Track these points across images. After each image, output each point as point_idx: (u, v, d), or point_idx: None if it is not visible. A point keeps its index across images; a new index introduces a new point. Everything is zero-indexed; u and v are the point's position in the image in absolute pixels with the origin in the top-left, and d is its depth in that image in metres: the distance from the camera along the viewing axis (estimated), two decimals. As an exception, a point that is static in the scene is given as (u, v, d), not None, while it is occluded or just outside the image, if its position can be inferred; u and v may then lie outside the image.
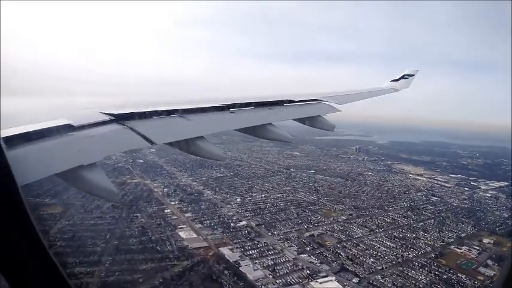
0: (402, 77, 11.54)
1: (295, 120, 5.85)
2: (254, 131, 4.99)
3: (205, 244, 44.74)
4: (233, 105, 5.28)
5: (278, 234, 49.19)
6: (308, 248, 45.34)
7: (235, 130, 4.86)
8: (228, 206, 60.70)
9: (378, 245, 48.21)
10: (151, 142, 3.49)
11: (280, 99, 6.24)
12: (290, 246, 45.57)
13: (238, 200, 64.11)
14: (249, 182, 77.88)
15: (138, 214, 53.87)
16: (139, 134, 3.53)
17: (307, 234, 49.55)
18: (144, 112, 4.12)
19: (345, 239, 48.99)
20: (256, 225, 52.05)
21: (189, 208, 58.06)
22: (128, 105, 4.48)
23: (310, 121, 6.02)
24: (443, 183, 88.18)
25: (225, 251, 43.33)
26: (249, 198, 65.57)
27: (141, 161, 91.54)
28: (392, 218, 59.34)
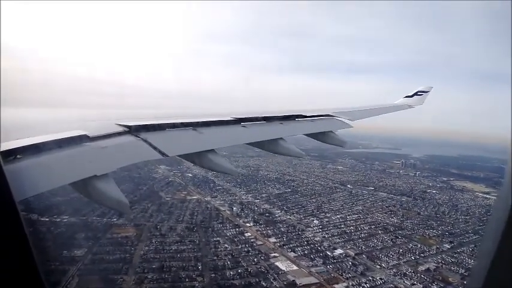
0: (416, 94, 11.19)
1: (306, 135, 5.77)
2: (265, 145, 4.96)
3: (313, 280, 38.44)
4: (245, 119, 5.22)
5: (387, 267, 42.53)
6: (436, 287, 38.59)
7: (247, 144, 4.82)
8: (309, 229, 54.45)
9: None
10: (164, 154, 3.46)
11: (291, 114, 6.18)
12: (413, 284, 38.81)
13: (316, 221, 57.84)
14: (313, 200, 71.81)
15: (218, 238, 48.13)
16: (152, 145, 3.50)
17: (422, 268, 42.76)
18: (158, 124, 4.09)
19: (467, 274, 42.02)
20: (355, 254, 45.54)
21: (270, 231, 52.04)
22: (143, 117, 4.55)
23: (322, 136, 5.90)
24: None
25: (342, 289, 37.00)
26: (326, 219, 59.23)
27: (190, 175, 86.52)
28: (497, 246, 52.07)
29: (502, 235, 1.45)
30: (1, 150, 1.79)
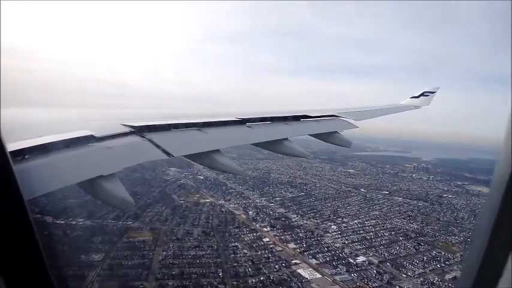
0: (422, 94, 10.99)
1: (311, 135, 5.70)
2: (270, 146, 4.95)
3: (339, 288, 37.15)
4: (250, 120, 5.17)
5: (414, 276, 41.05)
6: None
7: (252, 144, 4.80)
8: (328, 234, 53.09)
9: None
10: (169, 154, 3.46)
11: (296, 115, 6.14)
12: (443, 294, 37.35)
13: (334, 227, 56.47)
14: (328, 204, 70.35)
15: (236, 243, 46.96)
16: (157, 146, 3.51)
17: (449, 276, 41.20)
18: (163, 125, 4.10)
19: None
20: (379, 262, 44.09)
21: (288, 237, 50.77)
22: (147, 117, 4.52)
23: (327, 137, 5.85)
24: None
25: (370, 299, 35.58)
26: (344, 225, 57.79)
27: (201, 177, 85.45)
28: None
29: (491, 235, 1.44)
30: (10, 150, 1.74)
